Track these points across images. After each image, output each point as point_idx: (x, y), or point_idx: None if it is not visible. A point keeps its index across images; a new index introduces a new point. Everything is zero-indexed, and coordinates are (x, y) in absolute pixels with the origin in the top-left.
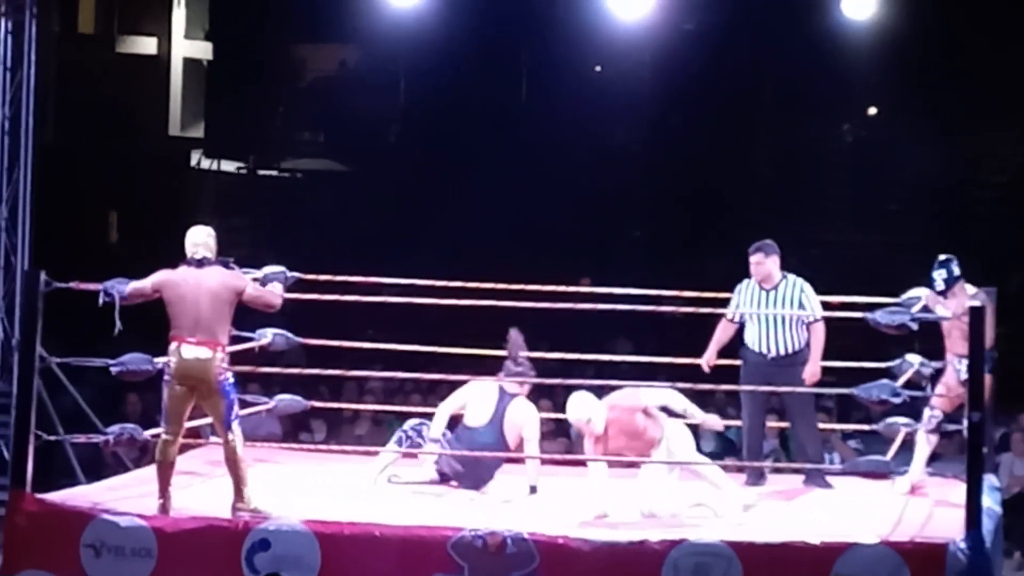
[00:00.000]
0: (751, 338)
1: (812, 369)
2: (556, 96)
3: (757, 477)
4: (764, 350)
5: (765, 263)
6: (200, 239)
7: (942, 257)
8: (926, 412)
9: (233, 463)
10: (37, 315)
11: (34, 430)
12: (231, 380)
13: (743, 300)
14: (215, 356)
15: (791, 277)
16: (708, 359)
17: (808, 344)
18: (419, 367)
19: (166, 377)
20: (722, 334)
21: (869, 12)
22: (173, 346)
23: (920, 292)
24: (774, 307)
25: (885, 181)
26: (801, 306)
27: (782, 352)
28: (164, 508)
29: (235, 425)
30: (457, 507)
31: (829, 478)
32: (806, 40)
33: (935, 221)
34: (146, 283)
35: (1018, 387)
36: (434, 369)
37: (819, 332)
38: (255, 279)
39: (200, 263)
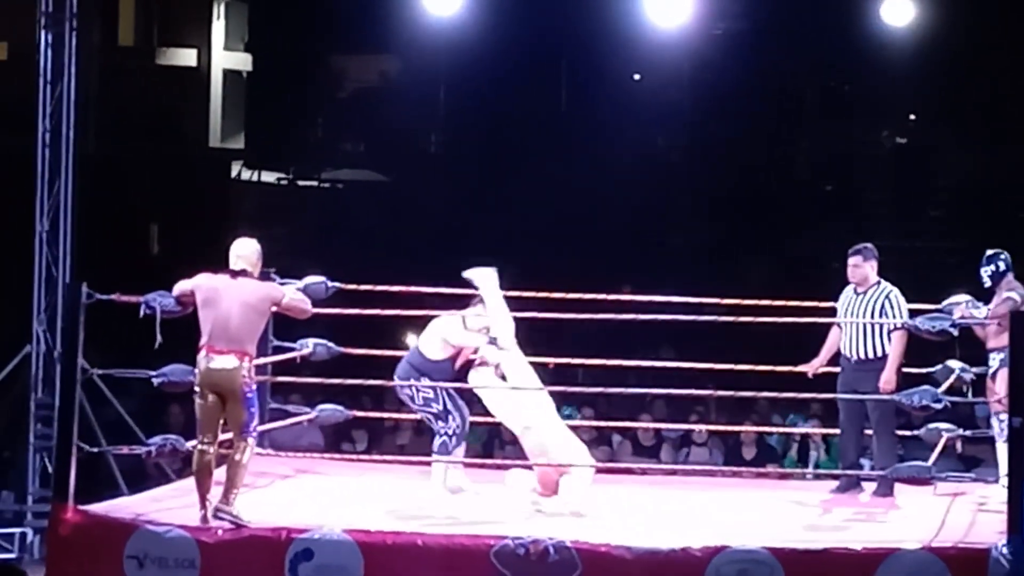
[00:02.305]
0: (842, 342)
1: (886, 376)
2: (596, 104)
3: (849, 485)
4: (849, 354)
5: (863, 266)
6: (243, 252)
7: (990, 252)
8: (994, 422)
9: (235, 467)
10: (79, 327)
11: (77, 442)
12: (254, 390)
13: (840, 304)
14: (241, 365)
15: (883, 283)
16: (813, 365)
17: None
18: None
19: (195, 387)
20: (831, 340)
21: (908, 17)
22: (201, 355)
23: (960, 299)
24: (861, 311)
25: (926, 187)
26: (883, 311)
27: (862, 356)
28: (205, 519)
29: (251, 438)
30: (500, 515)
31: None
32: (846, 46)
33: (977, 226)
34: (188, 284)
35: None
36: None
37: (897, 340)
38: (297, 290)
39: (236, 275)
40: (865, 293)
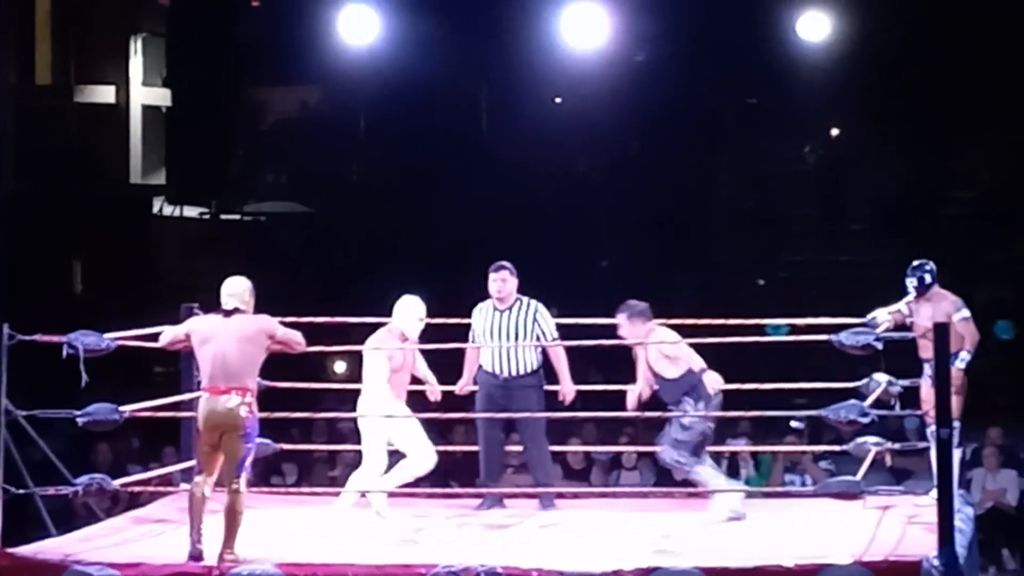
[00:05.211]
0: (484, 358)
1: (565, 388)
2: (517, 128)
3: (494, 502)
4: (497, 371)
5: (510, 281)
6: (235, 290)
7: (915, 263)
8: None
9: (231, 511)
10: (1, 369)
11: (2, 484)
12: (255, 426)
13: (480, 321)
14: (243, 402)
15: (525, 299)
16: (463, 384)
17: (543, 365)
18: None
19: (197, 426)
20: (470, 357)
21: (824, 32)
22: (203, 397)
23: (879, 313)
24: (508, 327)
25: (850, 200)
26: (536, 325)
27: (515, 373)
28: (198, 552)
29: (244, 475)
30: (431, 543)
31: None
32: (763, 63)
33: (901, 239)
34: (180, 329)
35: (988, 402)
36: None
37: (559, 351)
38: None
39: (230, 313)
40: (511, 309)
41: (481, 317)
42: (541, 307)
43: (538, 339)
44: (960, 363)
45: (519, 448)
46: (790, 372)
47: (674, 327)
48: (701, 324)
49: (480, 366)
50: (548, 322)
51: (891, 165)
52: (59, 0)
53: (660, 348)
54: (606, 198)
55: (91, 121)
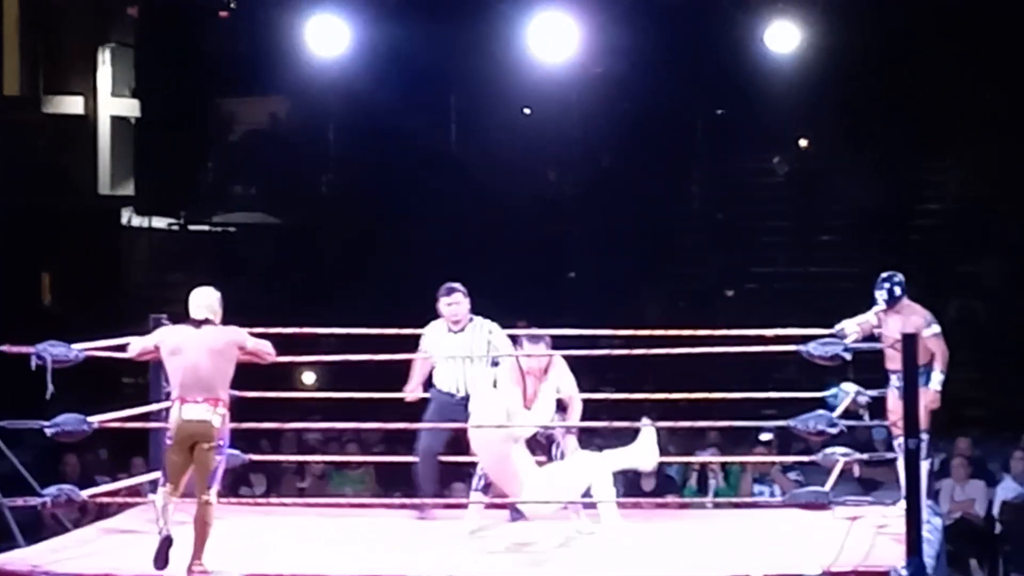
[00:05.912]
0: (439, 378)
1: None
2: (486, 140)
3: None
4: (454, 391)
5: (463, 303)
6: (204, 301)
7: (884, 275)
8: (896, 444)
9: (202, 523)
10: None
11: None
12: (227, 438)
13: (435, 342)
14: (216, 413)
15: (478, 319)
16: (411, 390)
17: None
18: (358, 416)
19: (167, 438)
20: (422, 369)
21: (793, 44)
22: (174, 407)
23: (847, 324)
24: (462, 348)
25: (819, 212)
26: (491, 346)
27: (472, 392)
28: (167, 539)
29: (215, 488)
30: (399, 553)
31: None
32: (733, 75)
33: (871, 251)
34: (149, 340)
35: (956, 414)
36: (372, 418)
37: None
38: None
39: (200, 324)
40: (464, 330)
41: (435, 338)
42: (495, 326)
43: (490, 360)
44: (936, 384)
45: None
46: (759, 383)
47: (642, 337)
48: (670, 335)
49: (434, 385)
50: (503, 341)
51: (862, 177)
52: (27, 11)
53: (559, 379)
54: (576, 208)
55: (59, 132)
